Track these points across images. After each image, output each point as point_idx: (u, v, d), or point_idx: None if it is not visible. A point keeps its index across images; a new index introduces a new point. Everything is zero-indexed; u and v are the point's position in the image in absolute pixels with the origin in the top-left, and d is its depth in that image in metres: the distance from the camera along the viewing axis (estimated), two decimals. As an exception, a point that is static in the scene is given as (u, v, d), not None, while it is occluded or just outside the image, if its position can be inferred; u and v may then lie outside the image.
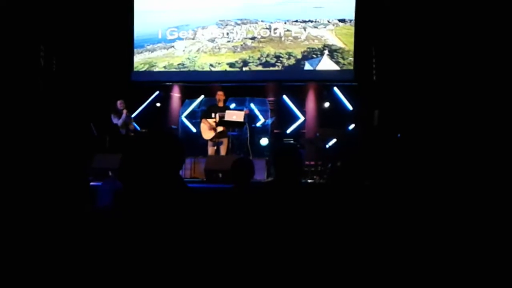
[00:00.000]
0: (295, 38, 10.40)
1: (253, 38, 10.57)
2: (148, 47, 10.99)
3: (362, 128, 9.63)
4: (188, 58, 10.81)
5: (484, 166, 6.02)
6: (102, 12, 10.22)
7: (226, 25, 10.68)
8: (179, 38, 10.84)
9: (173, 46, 10.90)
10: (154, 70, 10.89)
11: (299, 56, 10.38)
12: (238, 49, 10.68)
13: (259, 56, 10.52)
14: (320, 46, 10.31)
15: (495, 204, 4.01)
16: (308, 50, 10.38)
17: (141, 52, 10.98)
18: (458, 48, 7.91)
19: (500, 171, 5.73)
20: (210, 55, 10.77)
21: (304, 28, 10.30)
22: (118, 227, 1.70)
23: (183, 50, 10.88)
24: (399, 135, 8.39)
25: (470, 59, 7.69)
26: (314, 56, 10.32)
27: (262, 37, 10.53)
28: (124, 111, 9.16)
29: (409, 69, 8.69)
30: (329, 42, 10.24)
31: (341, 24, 10.21)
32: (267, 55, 10.51)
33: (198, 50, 10.83)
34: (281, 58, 10.43)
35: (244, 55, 10.61)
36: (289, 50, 10.44)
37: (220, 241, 1.81)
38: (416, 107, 8.32)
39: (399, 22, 8.94)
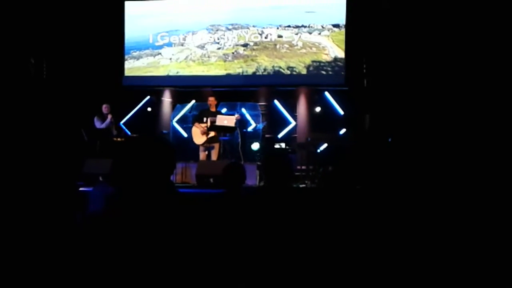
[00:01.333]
0: (291, 45, 10.22)
1: (245, 45, 10.41)
2: (134, 54, 10.85)
3: (353, 132, 9.66)
4: (168, 75, 10.73)
5: (475, 169, 6.05)
6: (93, 17, 10.21)
7: (217, 30, 10.57)
8: (169, 44, 10.75)
9: (160, 53, 10.80)
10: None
11: (304, 71, 10.14)
12: (229, 58, 10.47)
13: (254, 70, 10.33)
14: (328, 59, 10.02)
15: (486, 206, 4.04)
16: (315, 64, 10.09)
17: (126, 60, 10.89)
18: (448, 52, 7.97)
19: (491, 174, 5.77)
20: (199, 64, 10.59)
21: (297, 34, 10.23)
22: (109, 232, 1.69)
23: (170, 58, 10.75)
24: (390, 139, 8.42)
25: (460, 62, 7.75)
26: (324, 72, 10.05)
27: (255, 44, 10.35)
28: (109, 116, 9.17)
29: (400, 74, 8.74)
30: (331, 53, 10.02)
31: (335, 29, 10.05)
32: (264, 69, 10.28)
33: (186, 58, 10.68)
34: (281, 74, 10.24)
35: (236, 64, 10.40)
36: (289, 62, 10.18)
37: (211, 246, 1.80)
38: (407, 111, 8.37)
39: (390, 27, 8.98)
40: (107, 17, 10.51)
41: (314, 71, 10.12)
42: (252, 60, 10.38)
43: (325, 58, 10.09)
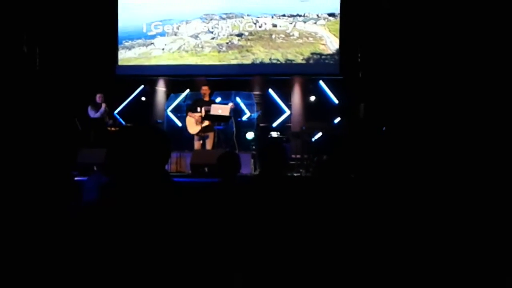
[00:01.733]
0: (287, 35, 10.13)
1: (239, 35, 10.32)
2: (127, 44, 10.74)
3: (348, 121, 9.67)
4: (162, 64, 10.63)
5: (469, 159, 6.08)
6: (86, 5, 10.12)
7: (211, 19, 10.48)
8: (162, 33, 10.63)
9: (152, 43, 10.69)
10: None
11: (303, 63, 10.07)
12: (224, 48, 10.36)
13: (250, 62, 10.23)
14: (327, 51, 9.91)
15: (481, 198, 4.06)
16: (315, 57, 10.00)
17: (118, 50, 10.78)
18: (441, 43, 7.98)
19: (486, 163, 5.80)
20: (192, 54, 10.49)
21: (291, 23, 10.15)
22: (104, 222, 1.69)
23: (163, 49, 10.65)
24: (384, 128, 8.44)
25: (454, 52, 7.76)
26: (321, 61, 9.99)
27: (250, 34, 10.26)
28: (103, 105, 9.15)
29: (395, 63, 8.74)
30: (329, 43, 9.93)
31: (331, 18, 9.97)
32: (261, 61, 10.20)
33: (179, 49, 10.57)
34: (276, 64, 10.17)
35: (231, 55, 10.30)
36: (286, 54, 10.08)
37: (207, 235, 1.80)
38: (401, 100, 8.38)
39: (385, 18, 8.97)
40: (100, 5, 10.43)
41: (313, 64, 10.05)
42: (247, 50, 10.29)
43: (322, 48, 10.03)
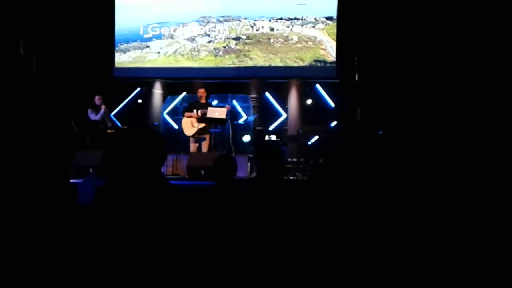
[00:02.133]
0: (286, 39, 10.08)
1: (237, 39, 10.28)
2: (122, 46, 10.70)
3: (344, 125, 9.68)
4: (159, 66, 10.62)
5: (465, 162, 6.09)
6: (83, 7, 10.10)
7: (208, 22, 10.43)
8: (158, 36, 10.59)
9: (148, 46, 10.66)
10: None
11: (300, 66, 10.04)
12: (220, 53, 10.29)
13: (249, 67, 10.18)
14: (328, 56, 9.83)
15: (476, 200, 4.06)
16: (318, 64, 9.88)
17: (115, 52, 10.73)
18: (438, 46, 7.99)
19: (482, 167, 5.81)
20: (188, 58, 10.43)
21: (288, 27, 10.12)
22: (99, 225, 1.69)
23: (158, 52, 10.60)
24: (380, 132, 8.45)
25: (450, 55, 7.78)
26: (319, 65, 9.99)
27: (248, 38, 10.20)
28: (103, 107, 9.12)
29: (391, 67, 8.76)
30: (328, 47, 9.86)
31: (330, 22, 9.92)
32: (261, 67, 10.13)
33: (175, 52, 10.52)
34: (273, 67, 10.11)
35: (228, 60, 10.22)
36: (285, 59, 10.02)
37: (203, 238, 1.80)
38: (398, 104, 8.39)
39: (382, 19, 8.99)
40: (97, 7, 10.41)
41: (316, 73, 10.00)
42: (245, 55, 10.23)
43: (323, 53, 9.94)
